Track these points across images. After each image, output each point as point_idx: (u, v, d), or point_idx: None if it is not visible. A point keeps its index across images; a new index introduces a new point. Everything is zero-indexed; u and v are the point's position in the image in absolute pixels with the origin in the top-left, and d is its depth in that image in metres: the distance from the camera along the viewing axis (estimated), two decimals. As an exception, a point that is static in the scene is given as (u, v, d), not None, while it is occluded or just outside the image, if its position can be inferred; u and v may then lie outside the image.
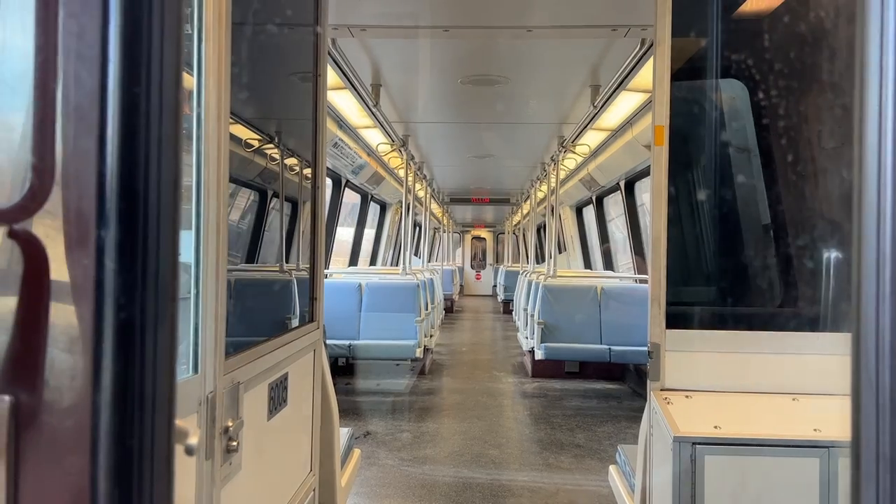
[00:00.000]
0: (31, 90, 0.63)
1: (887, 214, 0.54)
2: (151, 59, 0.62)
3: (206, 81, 1.48)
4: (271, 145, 2.44)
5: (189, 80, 1.49)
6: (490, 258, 27.87)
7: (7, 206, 0.64)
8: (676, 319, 2.45)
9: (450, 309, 17.35)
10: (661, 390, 2.42)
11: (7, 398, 0.60)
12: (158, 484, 0.63)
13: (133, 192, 0.61)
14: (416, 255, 14.81)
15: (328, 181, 9.40)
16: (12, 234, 0.62)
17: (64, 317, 0.63)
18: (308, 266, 2.67)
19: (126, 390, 0.61)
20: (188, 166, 1.50)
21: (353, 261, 12.06)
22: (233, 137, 1.87)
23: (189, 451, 0.78)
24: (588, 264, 12.83)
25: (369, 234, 13.38)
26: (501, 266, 21.97)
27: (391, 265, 13.97)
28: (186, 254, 1.46)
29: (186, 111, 1.52)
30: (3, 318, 0.66)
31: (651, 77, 2.55)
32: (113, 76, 0.60)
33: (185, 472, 1.38)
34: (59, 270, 0.63)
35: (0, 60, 0.73)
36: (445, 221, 19.16)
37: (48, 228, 0.63)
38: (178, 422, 0.72)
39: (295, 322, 2.52)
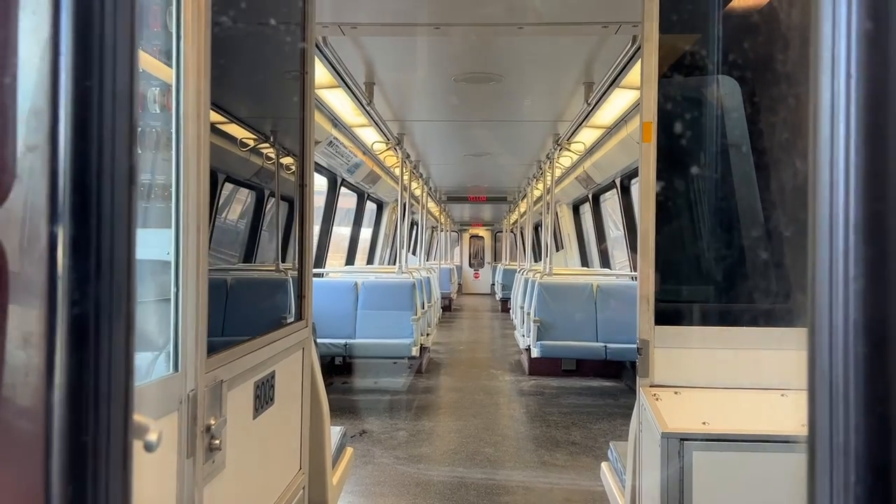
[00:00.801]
0: (-17, 85, 0.62)
1: (839, 209, 0.54)
2: (104, 53, 0.61)
3: (185, 78, 1.47)
4: (259, 143, 2.44)
5: (169, 77, 1.48)
6: (488, 257, 27.88)
7: (-39, 202, 0.63)
8: (666, 316, 2.45)
9: (448, 307, 17.36)
10: (651, 386, 2.42)
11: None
12: (114, 481, 0.62)
13: (86, 187, 0.61)
14: (413, 253, 14.80)
15: (323, 180, 9.38)
16: (-35, 231, 0.62)
17: (17, 313, 0.62)
18: (296, 264, 2.67)
19: (80, 387, 0.61)
20: (165, 161, 1.49)
21: (350, 260, 12.06)
22: (217, 134, 1.86)
23: (148, 447, 0.77)
24: (585, 262, 12.83)
25: (366, 233, 13.38)
26: (499, 264, 21.98)
27: (388, 264, 13.97)
28: (166, 252, 1.45)
29: (169, 108, 1.51)
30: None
31: (641, 74, 2.55)
32: (65, 70, 0.60)
33: (166, 471, 1.37)
34: (11, 266, 0.63)
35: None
36: (443, 220, 19.17)
37: (1, 224, 0.63)
38: (141, 418, 0.71)
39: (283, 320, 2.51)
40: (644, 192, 2.42)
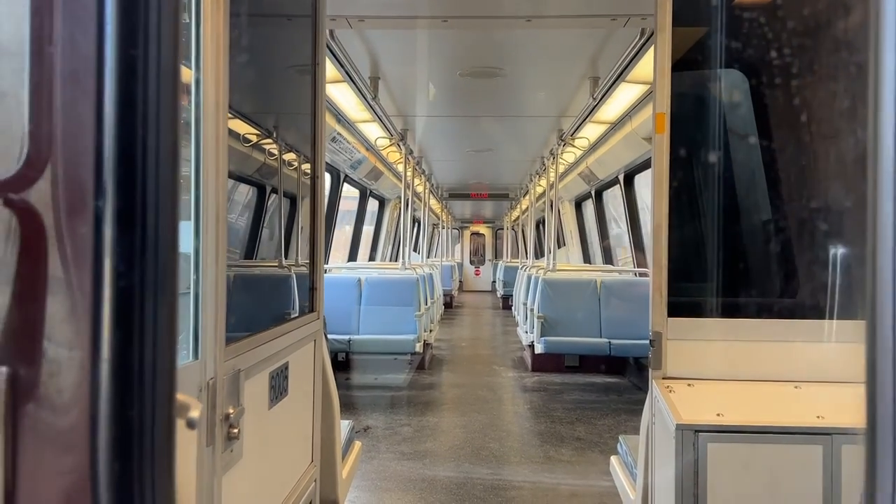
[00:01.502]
0: (28, 56, 0.62)
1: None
2: (149, 22, 0.60)
3: (204, 71, 1.46)
4: (269, 139, 2.43)
5: (187, 72, 1.48)
6: (489, 254, 27.86)
7: (4, 176, 0.62)
8: (678, 308, 2.44)
9: (449, 304, 17.35)
10: (663, 378, 2.41)
11: (5, 370, 0.59)
12: (159, 457, 0.62)
13: (131, 159, 0.60)
14: (415, 250, 14.79)
15: (326, 176, 9.37)
16: (8, 204, 0.61)
17: (62, 287, 0.62)
18: (308, 257, 2.66)
19: (125, 361, 0.60)
20: (185, 160, 1.49)
21: (353, 256, 12.05)
22: (230, 131, 1.85)
23: (191, 424, 0.76)
24: (587, 259, 12.82)
25: (368, 230, 13.37)
26: (500, 261, 21.97)
27: (390, 260, 13.96)
28: (186, 243, 1.45)
29: (185, 102, 1.51)
30: (3, 295, 0.65)
31: (650, 67, 2.54)
32: (110, 40, 0.59)
33: (187, 459, 1.37)
34: (57, 240, 0.62)
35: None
36: (444, 217, 19.15)
37: (46, 197, 0.62)
38: (180, 396, 0.71)
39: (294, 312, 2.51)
40: (657, 184, 2.41)
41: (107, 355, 0.59)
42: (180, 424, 0.75)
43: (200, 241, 1.46)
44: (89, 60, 0.59)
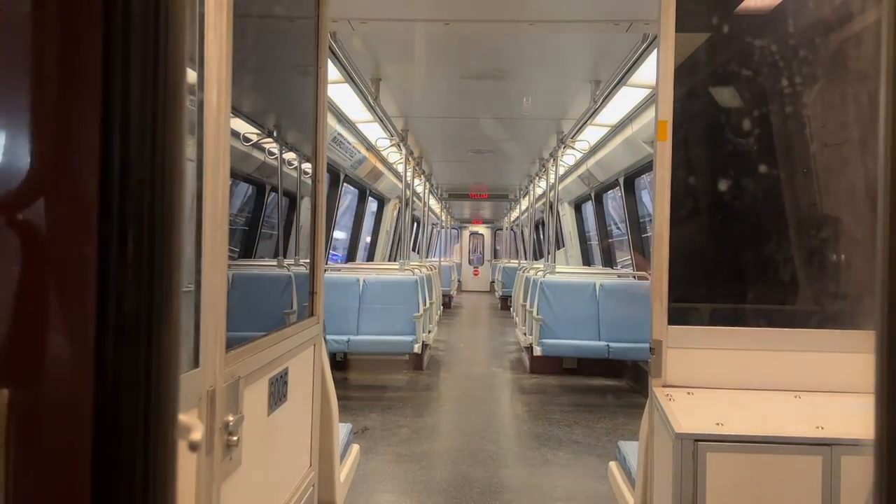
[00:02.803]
0: (33, 74, 0.61)
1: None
2: (158, 45, 0.60)
3: (207, 73, 1.46)
4: (270, 139, 2.43)
5: (190, 73, 1.47)
6: (488, 254, 27.85)
7: (7, 194, 0.62)
8: (679, 316, 2.44)
9: (448, 305, 17.35)
10: (663, 386, 2.41)
11: (5, 391, 0.59)
12: (161, 479, 0.61)
13: (137, 183, 0.60)
14: (414, 250, 14.78)
15: (326, 176, 9.35)
16: (11, 223, 0.61)
17: (64, 308, 0.61)
18: (308, 260, 2.65)
19: (127, 383, 0.60)
20: (189, 161, 1.48)
21: (351, 257, 12.04)
22: (232, 132, 1.85)
23: (192, 447, 0.76)
24: (587, 261, 12.81)
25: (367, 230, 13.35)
26: (499, 262, 21.96)
27: (389, 261, 13.94)
28: (187, 249, 1.44)
29: (187, 103, 1.50)
30: (1, 308, 0.64)
31: (652, 71, 2.54)
32: (117, 59, 0.58)
33: (186, 467, 1.36)
34: (59, 260, 0.61)
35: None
36: (444, 217, 19.13)
37: (47, 210, 0.61)
38: (182, 416, 0.70)
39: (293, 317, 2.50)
40: (659, 191, 2.41)
41: (108, 377, 0.59)
42: (182, 445, 0.75)
43: (202, 246, 1.45)
44: (95, 82, 0.58)
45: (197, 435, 0.76)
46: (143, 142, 0.59)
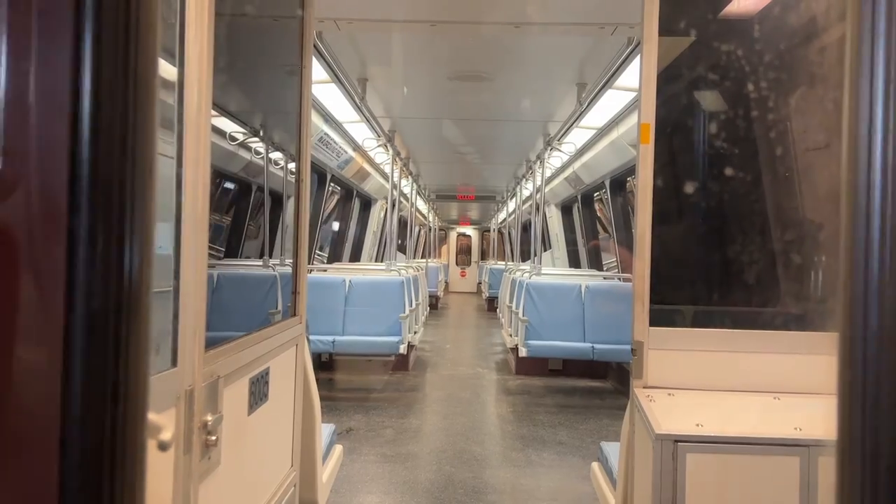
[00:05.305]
0: (4, 72, 0.61)
1: (875, 213, 0.54)
2: (129, 43, 0.60)
3: (187, 71, 1.45)
4: (255, 138, 2.42)
5: (171, 70, 1.46)
6: (475, 255, 27.87)
7: (-25, 191, 0.61)
8: (660, 317, 2.45)
9: (434, 306, 17.34)
10: (644, 388, 2.42)
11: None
12: (129, 479, 0.61)
13: (107, 180, 0.59)
14: (401, 251, 14.76)
15: (313, 176, 9.34)
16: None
17: (32, 305, 0.61)
18: (291, 260, 2.65)
19: (96, 383, 0.59)
20: (170, 158, 1.47)
21: (337, 257, 12.01)
22: (215, 129, 1.84)
23: (162, 446, 0.75)
24: (576, 262, 12.84)
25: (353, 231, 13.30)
26: (486, 263, 21.98)
27: (375, 262, 13.91)
28: (166, 246, 1.43)
29: (168, 101, 1.49)
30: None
31: (637, 76, 2.55)
32: (87, 58, 0.58)
33: (163, 467, 1.35)
34: (29, 259, 0.61)
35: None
36: (431, 218, 19.13)
37: (18, 210, 0.61)
38: (153, 416, 0.70)
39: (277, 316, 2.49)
40: (641, 194, 2.42)
41: (77, 377, 0.59)
42: (151, 444, 0.75)
43: (181, 245, 1.44)
44: (65, 79, 0.58)
45: (167, 434, 0.76)
46: (113, 137, 0.59)
